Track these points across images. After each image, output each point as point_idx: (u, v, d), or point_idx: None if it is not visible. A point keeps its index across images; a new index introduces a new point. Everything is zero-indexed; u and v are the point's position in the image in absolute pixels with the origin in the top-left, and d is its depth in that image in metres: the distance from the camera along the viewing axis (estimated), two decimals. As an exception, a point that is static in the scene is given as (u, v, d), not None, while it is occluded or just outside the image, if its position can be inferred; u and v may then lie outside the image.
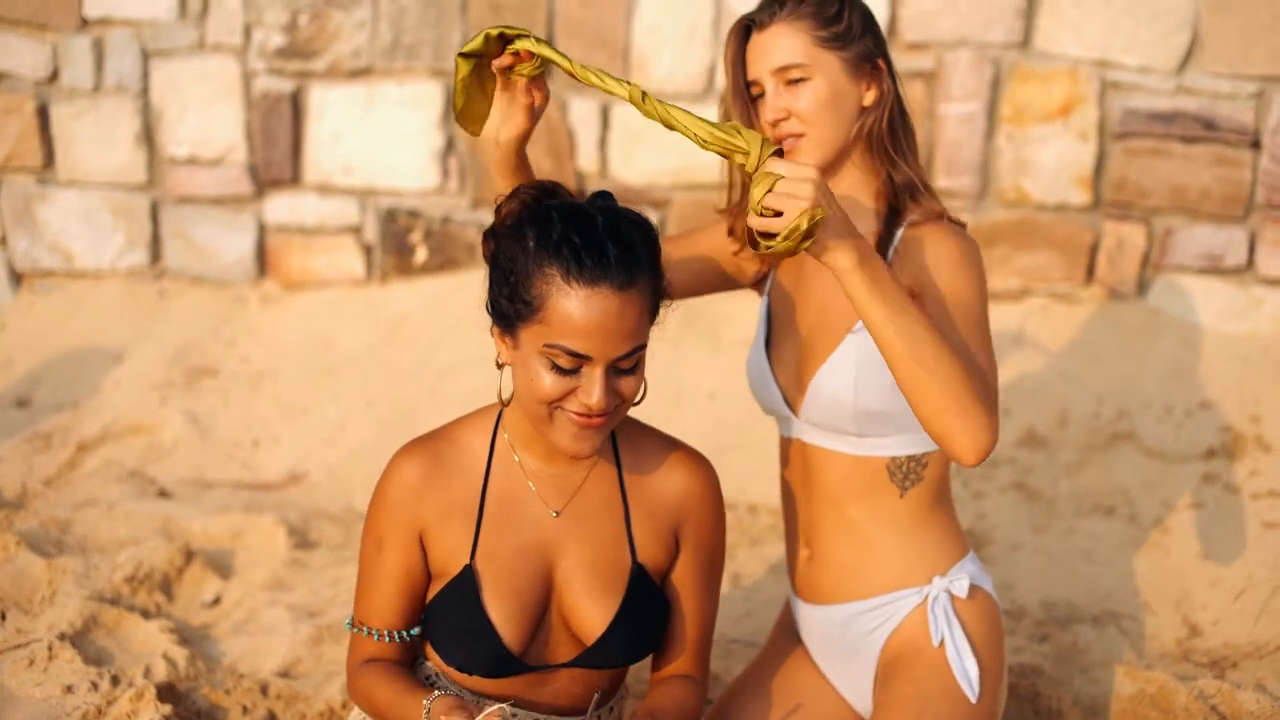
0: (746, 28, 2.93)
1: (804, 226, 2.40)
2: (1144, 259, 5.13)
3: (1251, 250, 5.04)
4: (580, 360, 2.42)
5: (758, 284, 3.20)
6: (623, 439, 2.71)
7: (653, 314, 2.51)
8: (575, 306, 2.38)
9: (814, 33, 2.84)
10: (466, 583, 2.60)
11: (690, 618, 2.77)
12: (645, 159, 5.43)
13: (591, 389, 2.43)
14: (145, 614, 3.88)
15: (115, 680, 3.44)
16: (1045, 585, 4.26)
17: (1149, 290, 5.15)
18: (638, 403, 2.54)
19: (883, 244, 2.89)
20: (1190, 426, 4.72)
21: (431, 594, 2.67)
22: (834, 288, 2.93)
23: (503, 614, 2.59)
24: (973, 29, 5.10)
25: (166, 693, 3.41)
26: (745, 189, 3.00)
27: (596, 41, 5.39)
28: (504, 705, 2.49)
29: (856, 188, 2.95)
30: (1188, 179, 5.03)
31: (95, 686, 3.40)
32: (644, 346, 2.48)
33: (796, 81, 2.85)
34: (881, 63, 2.90)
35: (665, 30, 5.34)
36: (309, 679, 3.62)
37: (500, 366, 2.58)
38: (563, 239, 2.40)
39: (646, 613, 2.68)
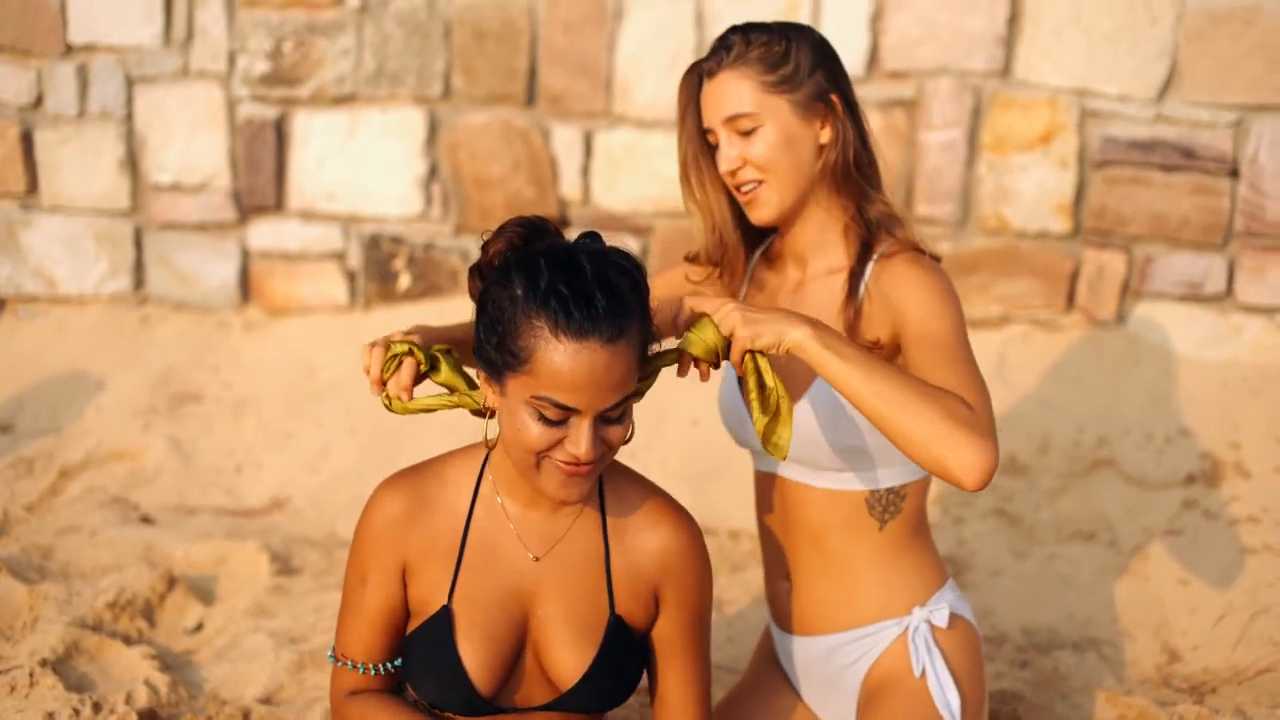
0: (699, 75, 2.91)
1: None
2: (1124, 286, 5.15)
3: (1230, 278, 5.06)
4: (568, 412, 2.40)
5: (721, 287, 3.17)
6: (609, 487, 2.68)
7: (641, 360, 2.49)
8: (563, 360, 2.35)
9: (760, 78, 2.83)
10: (442, 624, 2.59)
11: (686, 683, 2.72)
12: (628, 186, 5.45)
13: (580, 439, 2.41)
14: (127, 640, 3.87)
15: (97, 707, 3.43)
16: (1026, 611, 4.27)
17: (1129, 318, 5.17)
18: (626, 441, 2.52)
19: (854, 279, 2.87)
20: (1170, 453, 4.74)
21: (409, 629, 2.66)
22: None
23: (476, 658, 2.58)
24: (953, 57, 5.13)
25: (148, 719, 3.40)
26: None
27: (579, 70, 5.41)
28: None
29: (824, 226, 2.94)
30: (1167, 207, 5.06)
31: (77, 713, 3.39)
32: (632, 395, 2.47)
33: (748, 131, 2.85)
34: (835, 98, 2.86)
35: (647, 59, 5.36)
36: (291, 705, 3.62)
37: (487, 411, 2.57)
38: (550, 290, 2.36)
39: (623, 661, 2.64)
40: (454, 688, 2.58)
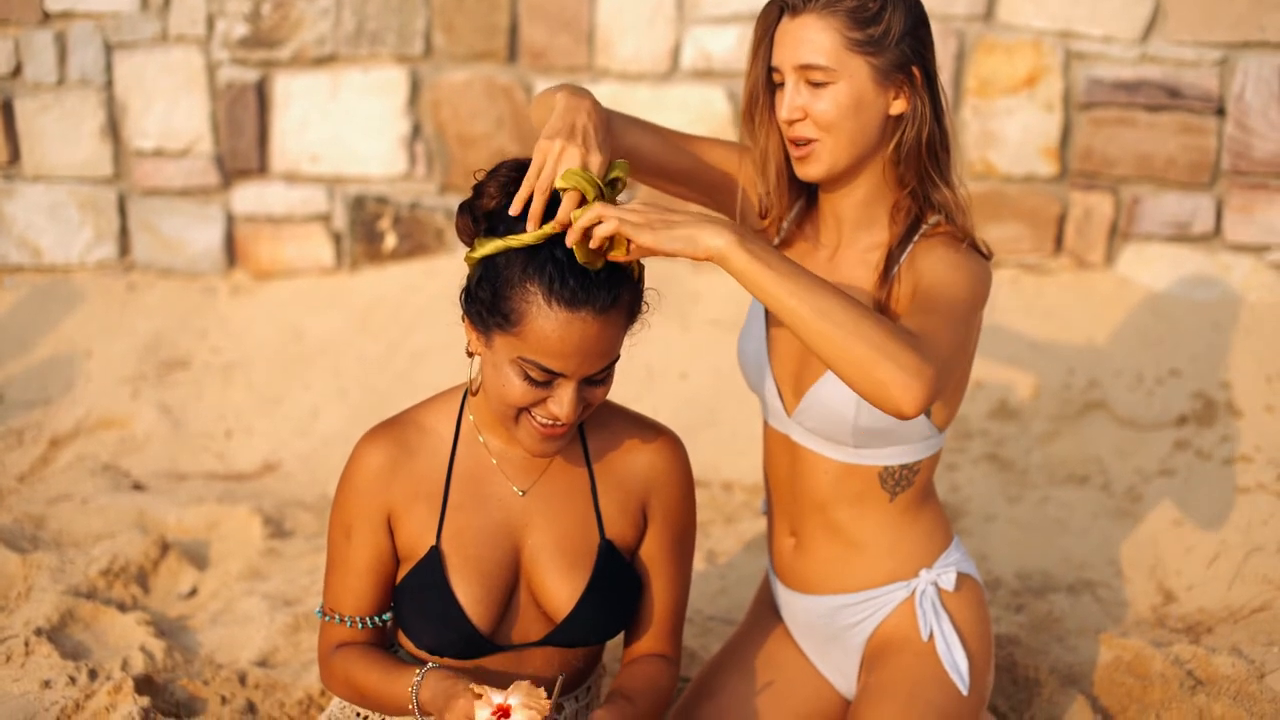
0: (780, 9, 2.71)
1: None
2: (1112, 228, 5.14)
3: (1218, 217, 5.05)
4: (554, 376, 2.42)
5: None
6: (589, 417, 2.70)
7: (630, 321, 2.50)
8: (554, 329, 2.37)
9: (846, 33, 2.63)
10: (433, 564, 2.60)
11: (661, 594, 2.77)
12: (612, 141, 5.42)
13: (563, 401, 2.44)
14: (122, 607, 3.87)
15: (93, 674, 3.43)
16: (1020, 555, 4.27)
17: (1117, 259, 5.16)
18: None
19: (891, 257, 2.76)
20: (1161, 394, 4.74)
21: (399, 577, 2.67)
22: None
23: (470, 594, 2.59)
24: (936, 2, 5.09)
25: (144, 685, 3.40)
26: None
27: (560, 24, 5.38)
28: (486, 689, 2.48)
29: (872, 200, 2.80)
30: (1153, 147, 5.05)
31: (73, 680, 3.40)
32: (618, 358, 2.49)
33: (819, 83, 2.67)
34: (917, 71, 2.69)
35: (629, 12, 5.33)
36: (287, 667, 3.62)
37: (471, 355, 2.57)
38: (548, 255, 2.37)
39: (616, 588, 2.68)
40: (451, 627, 2.60)
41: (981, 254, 2.79)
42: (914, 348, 2.39)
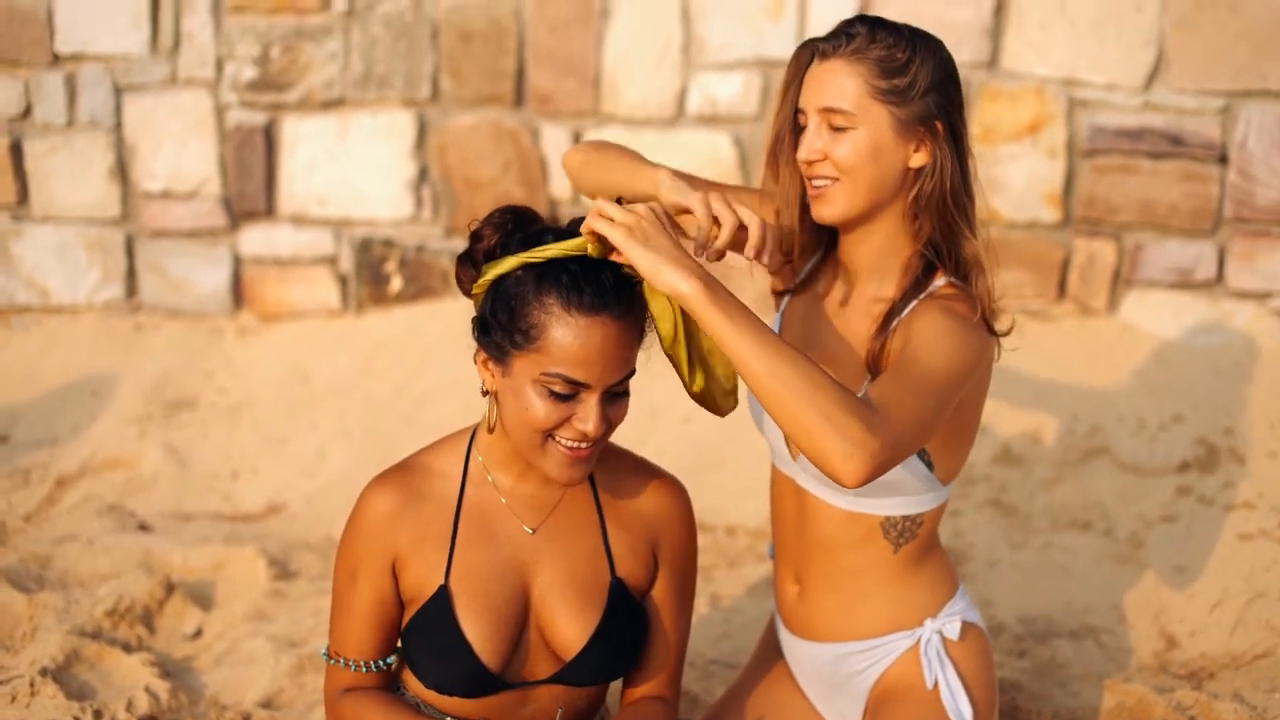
0: (812, 52, 2.75)
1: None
2: (1115, 275, 5.16)
3: (1221, 264, 5.07)
4: (578, 387, 2.44)
5: (776, 278, 3.04)
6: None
7: (641, 337, 2.54)
8: (575, 335, 2.41)
9: (872, 81, 2.67)
10: (441, 602, 2.61)
11: (664, 639, 2.78)
12: (618, 184, 5.44)
13: (588, 416, 2.46)
14: (127, 647, 3.87)
15: (98, 715, 3.43)
16: (1023, 600, 4.27)
17: (1120, 306, 5.18)
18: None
19: (891, 312, 2.75)
20: (1164, 440, 4.75)
21: (407, 618, 2.67)
22: (842, 341, 2.84)
23: (479, 632, 2.60)
24: (940, 50, 5.13)
25: (149, 726, 3.42)
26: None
27: (567, 70, 5.41)
28: None
29: (885, 251, 2.81)
30: (1156, 195, 5.07)
31: (78, 721, 3.41)
32: (634, 372, 2.52)
33: (840, 128, 2.69)
34: (940, 125, 2.72)
35: (635, 57, 5.36)
36: (292, 709, 3.62)
37: (486, 394, 2.59)
38: (560, 267, 2.43)
39: (626, 627, 2.69)
40: (459, 664, 2.60)
41: (988, 327, 2.77)
42: (863, 420, 2.36)
